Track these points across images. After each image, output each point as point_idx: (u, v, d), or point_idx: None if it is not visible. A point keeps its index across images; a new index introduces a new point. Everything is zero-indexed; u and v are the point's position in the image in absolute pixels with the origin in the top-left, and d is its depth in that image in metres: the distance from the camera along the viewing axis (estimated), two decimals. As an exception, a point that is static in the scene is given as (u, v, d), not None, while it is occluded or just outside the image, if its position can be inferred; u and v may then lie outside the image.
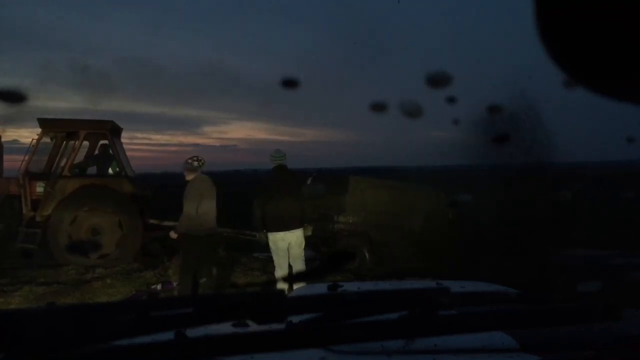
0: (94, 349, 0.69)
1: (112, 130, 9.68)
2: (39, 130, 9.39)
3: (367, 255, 8.80)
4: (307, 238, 6.34)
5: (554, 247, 10.52)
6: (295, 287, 2.03)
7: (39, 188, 9.14)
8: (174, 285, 7.23)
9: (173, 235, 6.20)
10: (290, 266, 6.19)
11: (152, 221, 9.46)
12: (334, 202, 9.03)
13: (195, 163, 5.97)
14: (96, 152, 10.21)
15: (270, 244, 6.13)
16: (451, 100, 0.83)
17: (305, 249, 6.46)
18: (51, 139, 9.79)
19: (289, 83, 0.81)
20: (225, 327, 0.83)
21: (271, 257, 6.42)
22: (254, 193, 6.25)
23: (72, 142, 9.57)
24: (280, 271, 6.15)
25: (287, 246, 6.12)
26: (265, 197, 6.07)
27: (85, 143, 9.94)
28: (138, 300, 1.14)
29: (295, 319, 0.81)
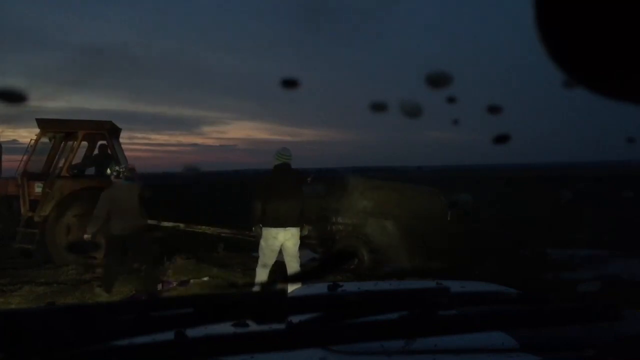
0: (94, 349, 0.69)
1: (110, 130, 9.67)
2: (38, 130, 9.39)
3: (366, 256, 8.79)
4: (303, 238, 6.32)
5: (554, 247, 10.53)
6: (291, 287, 2.02)
7: (38, 188, 9.13)
8: (174, 284, 7.26)
9: (86, 236, 6.81)
10: (280, 268, 6.14)
11: (150, 221, 9.46)
12: (333, 203, 9.02)
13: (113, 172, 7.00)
14: (95, 152, 10.21)
15: (262, 240, 6.08)
16: (451, 100, 0.83)
17: (302, 249, 6.45)
18: (50, 139, 9.78)
19: (289, 83, 0.81)
20: (225, 327, 0.83)
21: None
22: (255, 188, 6.28)
23: (70, 143, 9.55)
24: (262, 271, 6.07)
25: (279, 246, 6.06)
26: (265, 193, 6.06)
27: (84, 143, 9.93)
28: (138, 300, 1.14)
29: (295, 319, 0.81)
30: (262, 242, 6.09)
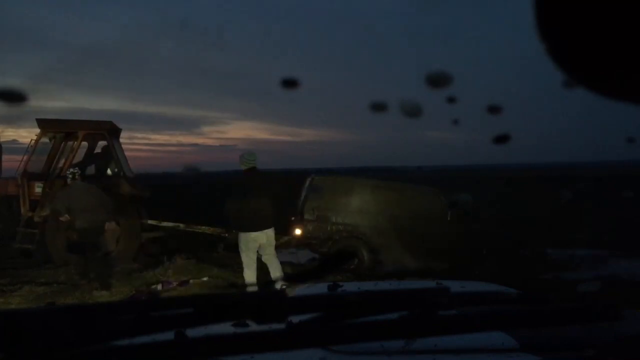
0: (94, 349, 0.69)
1: (110, 130, 9.68)
2: (38, 130, 9.38)
3: (366, 256, 8.79)
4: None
5: (554, 247, 10.53)
6: (279, 285, 2.03)
7: (38, 188, 9.13)
8: (174, 284, 7.26)
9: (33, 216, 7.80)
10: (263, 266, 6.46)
11: (150, 222, 9.46)
12: (333, 204, 9.02)
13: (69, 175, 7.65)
14: (95, 152, 10.21)
15: (241, 243, 6.37)
16: (451, 100, 0.83)
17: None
18: (50, 139, 9.78)
19: (289, 83, 0.81)
20: (225, 327, 0.83)
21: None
22: (228, 193, 6.62)
23: (70, 143, 9.55)
24: (249, 271, 6.36)
25: (257, 246, 6.36)
26: (237, 198, 6.37)
27: (84, 143, 9.93)
28: (138, 300, 1.14)
29: (295, 319, 0.81)
30: (243, 246, 6.38)
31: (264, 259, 6.48)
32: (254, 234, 6.28)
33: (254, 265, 6.37)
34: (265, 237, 6.35)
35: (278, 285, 1.04)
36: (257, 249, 6.42)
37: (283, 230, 9.58)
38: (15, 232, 8.90)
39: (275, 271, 6.48)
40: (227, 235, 7.08)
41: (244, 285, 7.13)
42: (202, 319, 0.76)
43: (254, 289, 6.32)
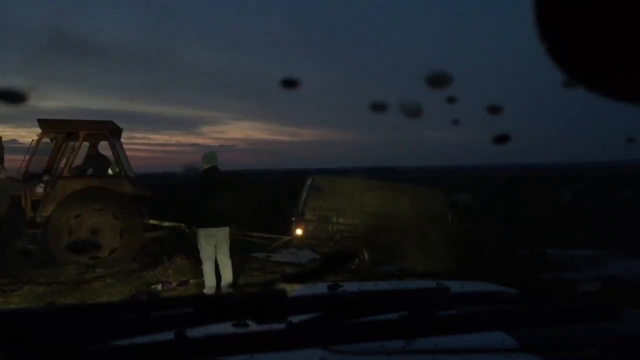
0: (94, 349, 0.69)
1: (112, 130, 9.67)
2: (39, 130, 9.38)
3: (366, 256, 8.79)
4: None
5: (554, 247, 10.53)
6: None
7: (39, 189, 9.14)
8: (174, 284, 7.26)
9: None
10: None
11: (152, 221, 9.46)
12: (332, 204, 9.01)
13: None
14: (96, 152, 10.20)
15: (200, 239, 6.56)
16: (451, 100, 0.83)
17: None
18: (51, 139, 9.78)
19: (289, 83, 0.81)
20: (225, 327, 0.83)
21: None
22: (190, 191, 6.93)
23: (72, 143, 9.55)
24: (209, 262, 6.55)
25: (215, 242, 6.54)
26: (198, 195, 6.63)
27: (85, 144, 9.93)
28: (138, 300, 1.14)
29: (295, 319, 0.80)
30: (202, 242, 6.55)
31: (217, 257, 6.63)
32: (211, 230, 6.48)
33: (213, 259, 6.57)
34: (220, 234, 6.53)
35: (278, 286, 1.04)
36: (215, 245, 6.61)
37: (281, 230, 9.58)
38: (17, 232, 8.89)
39: (226, 272, 6.63)
40: (187, 231, 7.24)
41: (244, 285, 7.13)
42: (202, 319, 0.75)
43: (212, 284, 6.47)
